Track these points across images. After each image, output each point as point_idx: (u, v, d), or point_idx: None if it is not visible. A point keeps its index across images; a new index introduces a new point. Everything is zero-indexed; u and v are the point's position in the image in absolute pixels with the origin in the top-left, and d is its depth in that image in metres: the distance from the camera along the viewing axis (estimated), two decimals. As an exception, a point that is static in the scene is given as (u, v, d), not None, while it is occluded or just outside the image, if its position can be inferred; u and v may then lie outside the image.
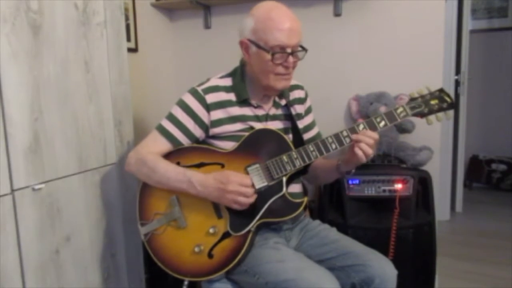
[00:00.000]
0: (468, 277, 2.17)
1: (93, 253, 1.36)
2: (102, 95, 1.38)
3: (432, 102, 1.17)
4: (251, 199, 1.13)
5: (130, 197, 1.50)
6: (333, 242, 1.23)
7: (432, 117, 1.17)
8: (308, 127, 1.42)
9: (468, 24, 3.09)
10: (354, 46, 2.00)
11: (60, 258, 1.22)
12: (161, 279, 1.67)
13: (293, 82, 1.40)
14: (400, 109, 1.16)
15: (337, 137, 1.16)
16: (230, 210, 1.16)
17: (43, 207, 1.16)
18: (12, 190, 1.07)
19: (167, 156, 1.24)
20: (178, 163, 1.22)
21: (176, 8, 2.29)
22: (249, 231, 1.16)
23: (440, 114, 1.17)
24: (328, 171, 1.33)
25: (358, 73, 2.00)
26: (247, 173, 1.18)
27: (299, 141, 1.28)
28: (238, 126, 1.25)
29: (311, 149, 1.17)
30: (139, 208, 1.26)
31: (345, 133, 1.16)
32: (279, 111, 1.32)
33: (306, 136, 1.41)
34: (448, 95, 1.18)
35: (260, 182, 1.17)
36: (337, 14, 2.00)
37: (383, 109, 1.81)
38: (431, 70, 1.87)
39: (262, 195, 1.17)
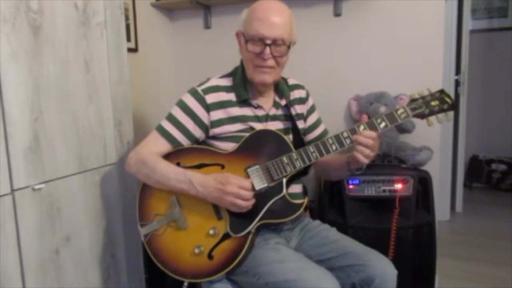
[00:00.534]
0: (468, 277, 2.17)
1: (93, 253, 1.36)
2: (102, 95, 1.38)
3: (433, 103, 1.17)
4: (250, 203, 1.13)
5: (130, 197, 1.50)
6: (333, 242, 1.23)
7: (432, 119, 1.17)
8: (313, 126, 1.42)
9: (468, 24, 3.09)
10: (354, 46, 2.00)
11: (60, 258, 1.22)
12: (161, 279, 1.67)
13: (294, 81, 1.40)
14: (401, 110, 1.15)
15: (337, 138, 1.16)
16: (230, 211, 1.16)
17: (43, 207, 1.16)
18: (12, 190, 1.07)
19: (167, 157, 1.24)
20: (178, 164, 1.22)
21: (176, 8, 2.29)
22: (249, 232, 1.16)
23: (441, 116, 1.16)
24: (339, 169, 1.31)
25: (358, 73, 2.00)
26: (247, 174, 1.18)
27: (299, 142, 1.28)
28: (238, 126, 1.25)
29: (311, 150, 1.17)
30: (139, 209, 1.26)
31: (345, 134, 1.16)
32: (280, 111, 1.32)
33: (312, 135, 1.41)
34: (449, 96, 1.18)
35: (260, 183, 1.17)
36: (337, 14, 2.00)
37: (383, 109, 1.81)
38: (431, 70, 1.87)
39: (262, 196, 1.17)
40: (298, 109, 1.37)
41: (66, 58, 1.23)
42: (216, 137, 1.26)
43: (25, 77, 1.09)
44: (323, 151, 1.16)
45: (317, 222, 1.36)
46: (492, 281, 2.12)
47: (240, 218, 1.16)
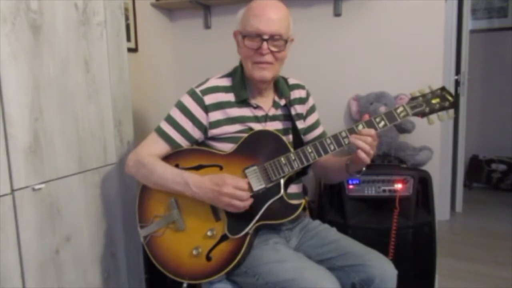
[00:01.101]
0: (468, 277, 2.17)
1: (93, 253, 1.36)
2: (102, 95, 1.38)
3: (433, 101, 1.15)
4: (247, 203, 1.12)
5: (130, 197, 1.50)
6: (333, 242, 1.23)
7: (433, 117, 1.15)
8: (312, 127, 1.41)
9: (468, 24, 3.09)
10: (354, 46, 2.00)
11: (60, 258, 1.22)
12: (161, 279, 1.67)
13: (294, 81, 1.40)
14: (400, 109, 1.14)
15: (335, 138, 1.15)
16: (228, 212, 1.16)
17: (43, 207, 1.16)
18: (12, 190, 1.07)
19: (166, 158, 1.24)
20: (176, 165, 1.22)
21: (176, 8, 2.29)
22: (247, 234, 1.16)
23: (442, 114, 1.15)
24: (338, 171, 1.31)
25: (358, 73, 2.00)
26: (245, 175, 1.18)
27: (299, 142, 1.28)
28: (237, 127, 1.25)
29: (309, 150, 1.16)
30: (139, 211, 1.26)
31: (343, 134, 1.15)
32: (279, 112, 1.32)
33: (311, 135, 1.41)
34: (450, 94, 1.16)
35: (258, 184, 1.17)
36: (337, 14, 2.00)
37: (383, 109, 1.81)
38: (431, 70, 1.87)
39: (260, 197, 1.17)
40: (298, 109, 1.37)
41: (66, 58, 1.23)
42: (215, 138, 1.26)
43: (25, 77, 1.09)
44: (321, 151, 1.16)
45: (317, 222, 1.36)
46: (492, 281, 2.12)
47: (238, 219, 1.16)
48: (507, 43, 3.72)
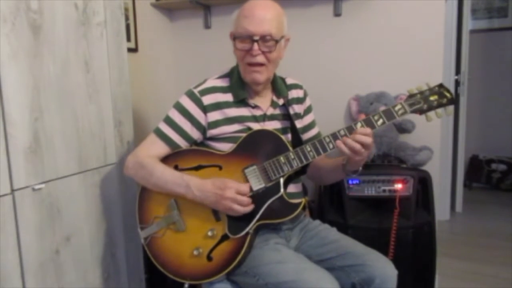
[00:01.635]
0: (468, 277, 2.17)
1: (93, 253, 1.36)
2: (102, 95, 1.38)
3: (432, 98, 1.14)
4: (247, 208, 1.13)
5: (130, 197, 1.50)
6: (333, 242, 1.23)
7: (431, 114, 1.14)
8: (308, 127, 1.41)
9: (468, 24, 3.09)
10: (354, 46, 2.00)
11: (60, 258, 1.22)
12: (161, 279, 1.67)
13: (292, 81, 1.40)
14: (398, 106, 1.14)
15: (334, 136, 1.15)
16: None
17: (43, 207, 1.16)
18: (12, 190, 1.07)
19: (165, 159, 1.24)
20: (176, 166, 1.23)
21: (176, 8, 2.29)
22: (247, 233, 1.16)
23: (440, 110, 1.14)
24: (333, 171, 1.31)
25: (358, 73, 2.00)
26: (245, 174, 1.18)
27: (297, 141, 1.28)
28: (235, 127, 1.25)
29: (308, 149, 1.16)
30: (139, 212, 1.26)
31: (342, 132, 1.15)
32: (277, 111, 1.32)
33: (306, 136, 1.40)
34: (448, 90, 1.15)
35: (258, 184, 1.17)
36: (337, 14, 2.00)
37: (383, 109, 1.81)
38: (431, 70, 1.87)
39: (260, 196, 1.17)
40: (296, 108, 1.37)
41: (66, 58, 1.23)
42: (214, 138, 1.26)
43: (25, 77, 1.09)
44: (320, 150, 1.16)
45: (317, 222, 1.36)
46: (492, 281, 2.12)
47: (238, 219, 1.16)
48: (507, 43, 3.72)
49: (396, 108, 1.14)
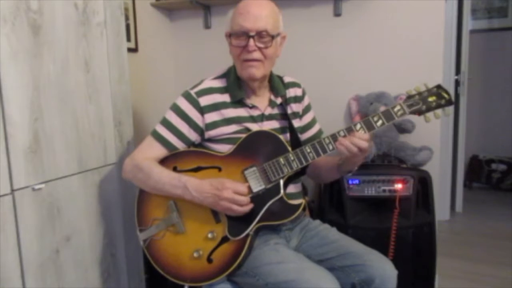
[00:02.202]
0: (468, 277, 2.17)
1: (93, 253, 1.36)
2: (102, 95, 1.38)
3: (430, 99, 1.15)
4: (246, 208, 1.13)
5: (130, 197, 1.49)
6: (333, 242, 1.23)
7: (430, 114, 1.15)
8: (308, 126, 1.41)
9: (468, 24, 3.09)
10: (354, 46, 2.00)
11: (60, 258, 1.22)
12: (161, 279, 1.67)
13: (290, 79, 1.39)
14: (397, 107, 1.14)
15: (334, 137, 1.15)
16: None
17: (43, 207, 1.16)
18: (12, 190, 1.07)
19: (164, 160, 1.24)
20: (175, 168, 1.22)
21: (176, 8, 2.29)
22: (247, 235, 1.15)
23: (438, 111, 1.15)
24: (329, 170, 1.32)
25: (358, 73, 2.00)
26: (244, 176, 1.18)
27: (296, 140, 1.28)
28: (233, 128, 1.24)
29: (308, 150, 1.16)
30: (138, 214, 1.26)
31: (342, 133, 1.15)
32: (275, 111, 1.32)
33: (307, 134, 1.40)
34: (446, 91, 1.16)
35: (258, 186, 1.17)
36: (337, 14, 2.00)
37: (383, 109, 1.80)
38: (431, 70, 1.87)
39: (260, 198, 1.17)
40: (294, 107, 1.36)
41: (66, 58, 1.23)
42: (212, 140, 1.26)
43: (25, 77, 1.09)
44: (320, 151, 1.16)
45: (317, 222, 1.36)
46: (492, 281, 2.12)
47: (238, 221, 1.16)
48: (507, 43, 3.72)
49: (395, 109, 1.14)
